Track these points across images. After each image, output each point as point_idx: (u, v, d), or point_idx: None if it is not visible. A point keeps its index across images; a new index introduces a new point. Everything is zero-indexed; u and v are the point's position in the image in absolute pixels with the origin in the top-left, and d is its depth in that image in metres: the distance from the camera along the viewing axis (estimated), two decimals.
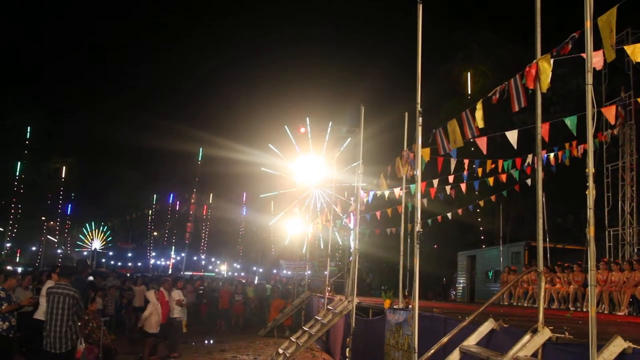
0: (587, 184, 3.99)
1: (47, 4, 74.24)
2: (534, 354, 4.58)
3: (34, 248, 55.68)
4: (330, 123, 28.86)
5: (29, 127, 46.84)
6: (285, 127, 29.93)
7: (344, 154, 27.54)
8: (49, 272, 10.24)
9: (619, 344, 3.81)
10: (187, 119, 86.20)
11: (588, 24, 4.23)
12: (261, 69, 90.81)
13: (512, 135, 8.19)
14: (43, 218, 53.85)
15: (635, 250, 15.07)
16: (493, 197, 16.82)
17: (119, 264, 64.84)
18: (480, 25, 30.88)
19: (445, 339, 5.59)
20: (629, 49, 5.41)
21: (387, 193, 13.32)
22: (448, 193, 14.88)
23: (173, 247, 70.99)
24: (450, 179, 14.05)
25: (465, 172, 13.94)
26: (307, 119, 29.82)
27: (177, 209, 73.41)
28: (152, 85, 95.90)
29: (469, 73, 29.56)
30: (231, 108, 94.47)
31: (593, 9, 4.27)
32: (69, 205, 60.67)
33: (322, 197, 28.84)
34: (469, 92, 28.64)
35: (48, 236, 55.63)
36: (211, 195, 72.05)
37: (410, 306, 7.70)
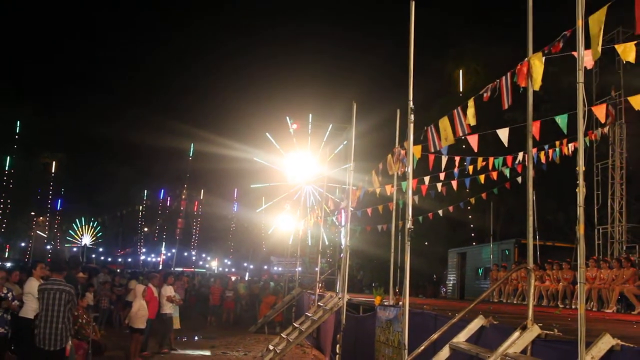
0: (577, 182, 4.00)
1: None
2: (523, 351, 4.60)
3: (23, 244, 55.26)
4: (331, 125, 28.70)
5: (18, 122, 46.45)
6: (287, 118, 29.89)
7: (335, 150, 27.49)
8: (29, 269, 9.77)
9: (607, 341, 3.83)
10: (178, 115, 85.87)
11: (580, 23, 4.23)
12: (252, 66, 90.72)
13: (503, 133, 8.23)
14: (32, 213, 53.50)
15: (624, 248, 15.19)
16: (484, 195, 16.87)
17: (109, 259, 64.53)
18: (473, 23, 31.04)
19: (435, 336, 5.60)
20: (619, 47, 5.41)
21: (378, 190, 13.32)
22: (439, 190, 14.89)
23: (164, 243, 70.69)
24: (442, 176, 14.07)
25: (456, 170, 13.96)
26: (310, 115, 29.87)
27: (168, 204, 73.09)
28: (143, 81, 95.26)
29: (461, 71, 29.65)
30: (222, 104, 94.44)
31: (585, 7, 4.27)
32: (59, 200, 60.29)
33: (313, 194, 28.82)
34: (461, 90, 28.72)
35: (37, 231, 55.27)
36: (202, 191, 71.82)
37: (400, 303, 7.71)
